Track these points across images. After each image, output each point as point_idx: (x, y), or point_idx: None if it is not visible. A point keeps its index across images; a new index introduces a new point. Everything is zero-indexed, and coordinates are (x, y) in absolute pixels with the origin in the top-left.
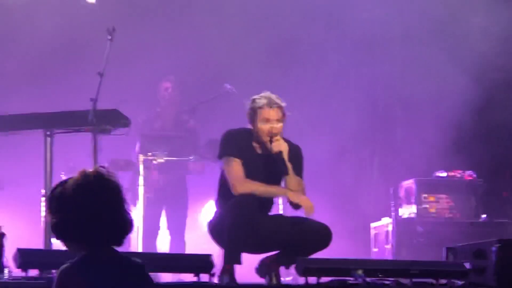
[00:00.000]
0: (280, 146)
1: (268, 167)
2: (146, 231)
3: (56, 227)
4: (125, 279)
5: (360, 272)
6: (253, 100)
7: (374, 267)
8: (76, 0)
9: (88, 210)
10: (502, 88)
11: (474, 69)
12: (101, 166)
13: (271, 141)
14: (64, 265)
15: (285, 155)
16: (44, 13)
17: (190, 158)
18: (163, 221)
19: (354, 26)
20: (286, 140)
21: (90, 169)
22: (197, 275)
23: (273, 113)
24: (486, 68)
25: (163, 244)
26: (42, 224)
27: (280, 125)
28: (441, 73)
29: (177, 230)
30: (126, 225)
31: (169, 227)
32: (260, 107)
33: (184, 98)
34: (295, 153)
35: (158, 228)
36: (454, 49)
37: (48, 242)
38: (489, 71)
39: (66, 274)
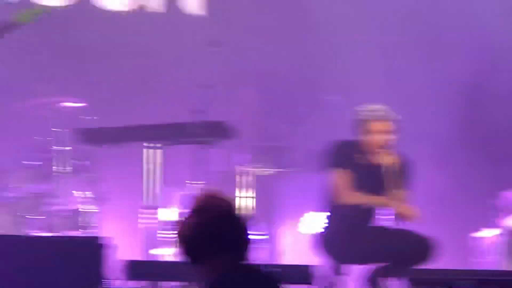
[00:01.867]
0: (385, 159)
1: (373, 180)
2: None
3: (185, 253)
4: None
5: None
6: (362, 112)
7: (486, 278)
8: (180, 12)
9: (205, 228)
10: None
11: None
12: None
13: (378, 154)
14: None
15: (390, 169)
16: (146, 24)
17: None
18: None
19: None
20: (395, 153)
21: (200, 194)
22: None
23: (381, 126)
24: None
25: None
26: (141, 235)
27: (388, 137)
28: None
29: None
30: (244, 237)
31: None
32: (369, 120)
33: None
34: (403, 166)
35: None
36: None
37: (146, 253)
38: None
39: None
